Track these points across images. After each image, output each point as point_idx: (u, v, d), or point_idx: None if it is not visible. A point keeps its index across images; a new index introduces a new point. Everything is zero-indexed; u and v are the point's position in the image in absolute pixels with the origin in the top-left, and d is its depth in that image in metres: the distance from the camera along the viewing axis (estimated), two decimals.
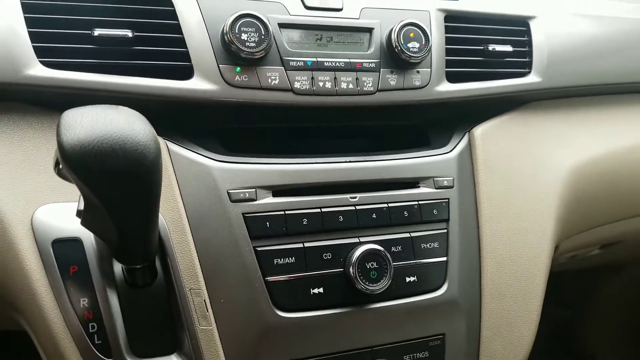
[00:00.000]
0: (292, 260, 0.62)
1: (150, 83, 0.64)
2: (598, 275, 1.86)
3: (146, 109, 0.67)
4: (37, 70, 0.60)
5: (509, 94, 0.81)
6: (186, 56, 0.66)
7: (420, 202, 0.69)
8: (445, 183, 0.72)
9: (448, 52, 0.77)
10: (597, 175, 0.85)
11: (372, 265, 0.62)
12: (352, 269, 0.62)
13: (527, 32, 0.84)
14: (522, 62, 0.83)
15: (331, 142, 0.78)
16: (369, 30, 0.73)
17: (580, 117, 0.88)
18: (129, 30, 0.64)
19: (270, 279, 0.61)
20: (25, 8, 0.61)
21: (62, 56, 0.62)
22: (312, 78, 0.69)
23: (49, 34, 0.62)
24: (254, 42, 0.65)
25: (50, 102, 0.63)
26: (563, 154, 0.83)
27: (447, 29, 0.78)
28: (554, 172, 0.80)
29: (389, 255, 0.63)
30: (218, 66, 0.65)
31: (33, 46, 0.61)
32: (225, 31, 0.64)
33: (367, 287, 0.62)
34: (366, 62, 0.71)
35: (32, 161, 0.61)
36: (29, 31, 0.61)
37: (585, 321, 1.91)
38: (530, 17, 0.85)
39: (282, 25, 0.69)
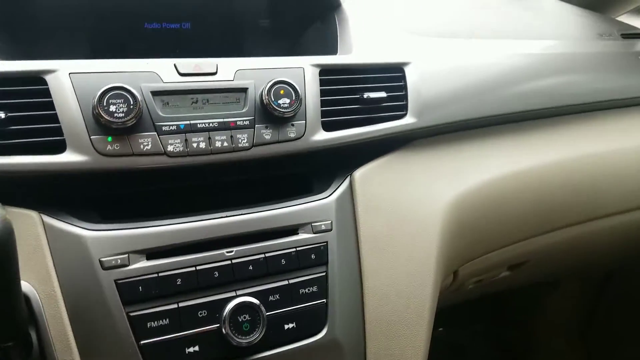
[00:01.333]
0: (166, 321, 0.63)
1: (23, 160, 0.66)
2: (539, 292, 1.92)
3: (23, 184, 0.70)
4: None
5: (386, 136, 0.86)
6: (59, 131, 0.68)
7: (298, 249, 0.72)
8: (323, 227, 0.75)
9: (323, 103, 0.82)
10: (479, 204, 0.91)
11: (245, 317, 0.64)
12: (224, 323, 0.64)
13: (402, 77, 0.91)
14: (397, 105, 0.89)
15: (211, 198, 0.81)
16: (244, 90, 0.77)
17: (460, 149, 0.95)
18: (2, 112, 0.67)
19: (143, 342, 0.62)
20: None
21: None
22: (186, 140, 0.72)
23: None
24: (123, 112, 0.68)
25: None
26: (443, 186, 0.88)
27: (322, 82, 0.83)
28: (434, 205, 0.85)
29: (261, 306, 0.65)
30: (90, 138, 0.68)
31: None
32: (94, 104, 0.68)
33: (239, 340, 0.63)
34: (240, 120, 0.75)
35: None
36: None
37: (532, 338, 1.95)
38: (405, 63, 0.92)
39: (155, 93, 0.73)
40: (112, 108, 0.68)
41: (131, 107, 0.69)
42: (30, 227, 0.66)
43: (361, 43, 0.92)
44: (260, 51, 1.09)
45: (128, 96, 0.69)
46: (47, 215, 0.68)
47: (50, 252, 0.64)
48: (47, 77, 0.70)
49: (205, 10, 1.01)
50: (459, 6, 1.17)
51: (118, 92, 0.69)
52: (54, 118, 0.69)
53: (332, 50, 0.96)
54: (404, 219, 0.82)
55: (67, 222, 0.67)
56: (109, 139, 0.69)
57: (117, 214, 0.72)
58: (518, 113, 0.99)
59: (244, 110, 0.76)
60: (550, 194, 1.00)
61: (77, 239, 0.66)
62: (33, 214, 0.67)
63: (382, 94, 0.87)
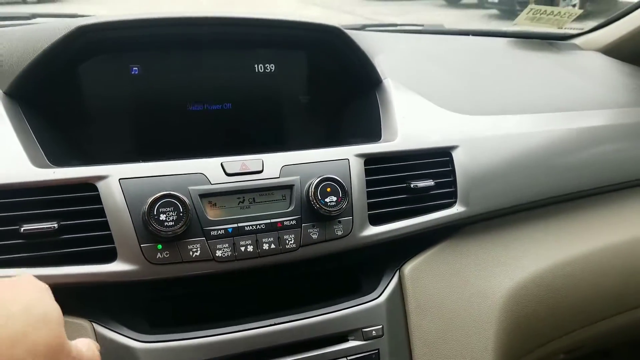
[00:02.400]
0: None
1: (76, 271, 0.67)
2: None
3: (75, 292, 0.70)
4: None
5: (435, 227, 0.83)
6: (109, 239, 0.69)
7: (348, 358, 0.69)
8: (374, 333, 0.72)
9: (370, 194, 0.81)
10: (536, 294, 0.86)
11: None
12: None
13: (450, 162, 0.88)
14: (446, 193, 0.86)
15: (256, 296, 0.80)
16: (289, 187, 0.77)
17: (514, 235, 0.90)
18: (55, 222, 0.68)
19: None
20: None
21: None
22: (234, 244, 0.71)
23: None
24: (173, 220, 0.68)
25: None
26: (499, 276, 0.84)
27: (367, 172, 0.82)
28: (489, 298, 0.81)
29: None
30: (140, 246, 0.68)
31: None
32: (144, 212, 0.68)
33: None
34: (287, 221, 0.74)
35: None
36: None
37: None
38: (452, 147, 0.89)
39: (203, 196, 0.73)
40: (162, 217, 0.68)
41: (181, 214, 0.69)
42: (83, 337, 0.66)
43: (405, 126, 0.90)
44: (298, 127, 1.09)
45: (178, 204, 0.69)
46: (98, 324, 0.68)
47: None
48: (98, 184, 0.71)
49: (246, 92, 1.02)
50: (505, 77, 1.15)
51: (168, 200, 0.69)
52: (105, 225, 0.69)
53: (375, 131, 0.94)
54: (457, 317, 0.79)
55: (117, 332, 0.67)
56: (159, 246, 0.69)
57: (164, 320, 0.71)
58: (574, 193, 0.94)
59: (290, 209, 0.75)
60: (616, 275, 0.94)
61: (129, 351, 0.65)
62: (85, 324, 0.68)
63: (430, 182, 0.85)
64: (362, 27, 1.47)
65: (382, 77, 0.99)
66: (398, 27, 1.60)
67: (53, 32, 0.82)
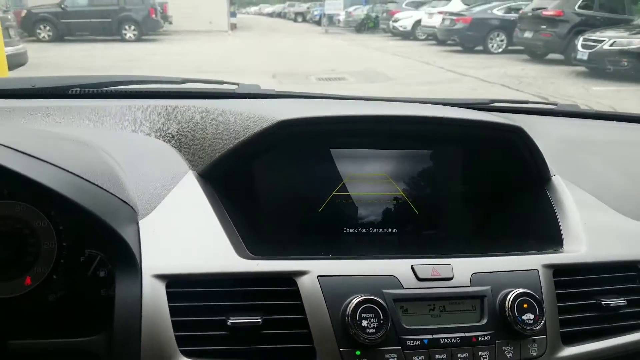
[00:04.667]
0: None
1: None
2: None
3: None
4: None
5: (629, 351, 0.77)
6: (308, 338, 0.69)
7: None
8: None
9: (561, 310, 0.77)
10: None
11: None
12: None
13: (638, 278, 0.83)
14: (637, 312, 0.80)
15: None
16: (480, 297, 0.75)
17: None
18: (259, 316, 0.69)
19: None
20: (170, 296, 0.69)
21: (199, 344, 0.68)
22: (429, 356, 0.70)
23: (189, 322, 0.68)
24: (374, 328, 0.68)
25: None
26: None
27: (557, 285, 0.78)
28: None
29: None
30: (339, 350, 0.68)
31: (175, 335, 0.67)
32: (347, 314, 0.68)
33: None
34: (481, 336, 0.72)
35: None
36: (172, 320, 0.68)
37: None
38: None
39: (397, 300, 0.72)
40: (364, 323, 0.68)
41: (381, 322, 0.68)
42: None
43: (590, 234, 0.86)
44: (461, 219, 1.06)
45: (378, 310, 0.69)
46: None
47: None
48: (298, 279, 0.72)
49: (415, 184, 1.02)
50: None
51: (369, 306, 0.69)
52: (304, 323, 0.70)
53: (551, 235, 0.89)
54: None
55: None
56: (357, 352, 0.69)
57: None
58: None
59: (483, 323, 0.73)
60: None
61: None
62: None
63: (622, 301, 0.80)
64: (490, 102, 1.45)
65: (552, 174, 0.96)
66: (530, 105, 1.56)
67: (252, 123, 0.86)
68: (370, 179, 1.01)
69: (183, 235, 0.76)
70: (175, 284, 0.70)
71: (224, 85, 1.32)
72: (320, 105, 1.16)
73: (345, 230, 0.99)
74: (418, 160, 1.02)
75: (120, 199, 0.76)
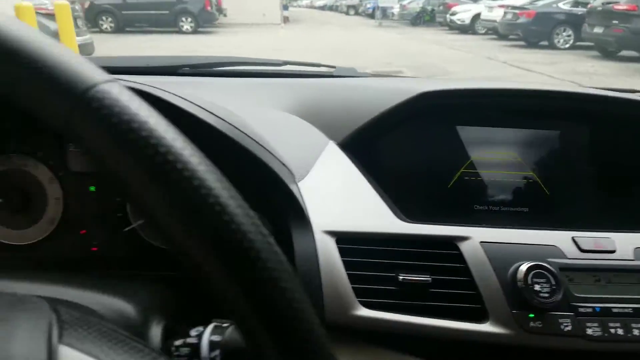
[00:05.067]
0: None
1: (446, 325, 0.70)
2: None
3: (436, 348, 0.73)
4: (360, 311, 0.70)
5: None
6: (478, 299, 0.72)
7: None
8: None
9: None
10: None
11: None
12: None
13: None
14: None
15: None
16: None
17: None
18: (428, 275, 0.72)
19: None
20: (341, 252, 0.73)
21: (374, 297, 0.72)
22: (603, 324, 0.70)
23: (362, 276, 0.72)
24: (547, 292, 0.69)
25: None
26: None
27: None
28: None
29: None
30: (511, 312, 0.70)
31: (352, 287, 0.71)
32: (520, 279, 0.70)
33: None
34: None
35: None
36: (347, 273, 0.72)
37: None
38: None
39: (562, 269, 0.73)
40: (537, 287, 0.70)
41: (554, 288, 0.70)
42: None
43: None
44: (588, 198, 1.05)
45: (549, 276, 0.70)
46: None
47: None
48: (460, 244, 0.75)
49: (546, 163, 1.02)
50: None
51: (539, 272, 0.71)
52: (472, 285, 0.72)
53: None
54: None
55: None
56: (531, 315, 0.70)
57: None
58: None
59: None
60: None
61: None
62: None
63: None
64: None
65: None
66: None
67: (391, 95, 0.89)
68: (499, 158, 1.02)
69: (341, 197, 0.80)
70: (345, 240, 0.74)
71: (322, 67, 1.36)
72: (440, 82, 1.17)
73: (476, 207, 1.00)
74: (547, 140, 1.01)
75: (280, 161, 0.81)
